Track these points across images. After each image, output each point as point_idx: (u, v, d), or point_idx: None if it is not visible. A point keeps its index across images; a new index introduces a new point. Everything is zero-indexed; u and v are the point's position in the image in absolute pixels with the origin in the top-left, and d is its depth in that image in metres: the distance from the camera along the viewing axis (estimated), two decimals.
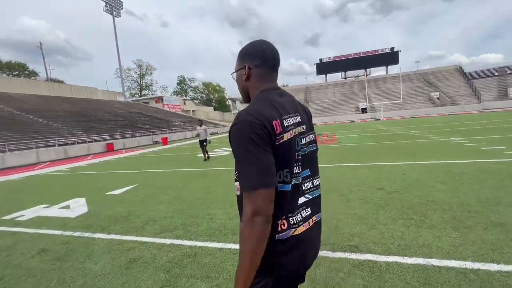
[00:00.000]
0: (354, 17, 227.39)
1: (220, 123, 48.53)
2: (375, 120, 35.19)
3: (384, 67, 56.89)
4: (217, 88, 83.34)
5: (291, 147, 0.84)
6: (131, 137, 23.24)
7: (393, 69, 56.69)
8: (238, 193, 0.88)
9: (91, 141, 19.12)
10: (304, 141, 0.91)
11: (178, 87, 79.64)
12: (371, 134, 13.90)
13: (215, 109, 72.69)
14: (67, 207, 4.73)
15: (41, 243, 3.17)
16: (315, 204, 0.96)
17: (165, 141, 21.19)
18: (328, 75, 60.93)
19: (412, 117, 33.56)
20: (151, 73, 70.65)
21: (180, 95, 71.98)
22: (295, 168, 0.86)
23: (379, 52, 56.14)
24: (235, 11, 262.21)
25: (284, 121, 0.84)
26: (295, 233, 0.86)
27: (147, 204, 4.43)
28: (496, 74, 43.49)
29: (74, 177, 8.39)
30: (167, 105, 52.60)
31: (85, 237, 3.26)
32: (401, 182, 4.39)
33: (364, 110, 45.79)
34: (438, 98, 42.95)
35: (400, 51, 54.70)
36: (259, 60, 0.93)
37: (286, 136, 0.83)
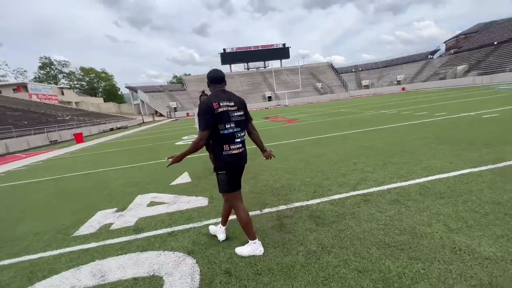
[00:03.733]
0: (237, 12, 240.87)
1: (126, 116, 41.35)
2: (285, 106, 40.45)
3: (279, 61, 64.92)
4: (103, 75, 68.68)
5: (224, 115, 1.96)
6: (16, 137, 16.37)
7: (284, 63, 65.72)
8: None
9: None
10: (235, 114, 2.02)
11: (42, 71, 60.08)
12: (316, 114, 16.52)
13: (105, 100, 60.12)
14: (158, 203, 3.65)
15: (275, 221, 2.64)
16: (243, 143, 2.11)
17: (80, 138, 16.39)
18: (233, 65, 63.16)
19: (311, 103, 40.95)
20: None
21: (47, 83, 54.73)
22: (230, 124, 1.99)
23: (274, 47, 63.42)
24: None
25: (220, 103, 1.96)
26: (232, 152, 2.02)
27: (294, 175, 4.13)
28: (353, 70, 59.25)
29: (64, 183, 5.74)
30: (37, 95, 39.18)
31: (293, 207, 2.96)
32: (430, 133, 6.17)
33: (269, 98, 51.27)
34: (321, 88, 54.03)
35: (290, 47, 63.92)
36: (211, 78, 2.09)
37: (221, 110, 1.94)
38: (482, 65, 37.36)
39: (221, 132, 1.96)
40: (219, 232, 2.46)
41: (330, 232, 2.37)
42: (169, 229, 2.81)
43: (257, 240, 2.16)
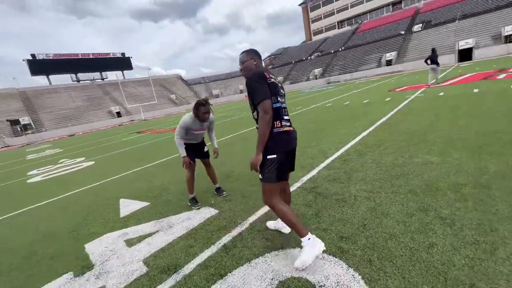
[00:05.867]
0: (38, 11, 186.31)
1: None
2: (142, 120, 36.41)
3: (120, 72, 57.16)
4: None
5: (275, 86, 1.83)
6: None
7: (127, 75, 58.99)
8: (256, 116, 1.83)
9: None
10: (281, 90, 1.91)
11: None
12: None
13: None
14: (144, 236, 2.66)
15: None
16: (290, 122, 1.94)
17: None
18: (51, 77, 48.17)
19: (171, 114, 39.63)
20: None
21: None
22: (279, 98, 1.85)
23: (111, 56, 55.17)
24: None
25: (270, 74, 1.84)
26: (284, 129, 1.81)
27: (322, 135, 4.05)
28: (202, 81, 63.47)
29: None
30: None
31: (305, 180, 3.21)
32: (315, 118, 8.24)
33: (118, 114, 44.17)
34: (176, 99, 53.60)
35: (131, 57, 58.01)
36: (255, 55, 1.96)
37: (271, 80, 1.80)
38: (290, 76, 52.57)
39: (274, 106, 1.77)
40: (280, 226, 2.26)
41: (358, 182, 2.93)
42: (216, 246, 2.22)
43: (309, 234, 1.78)
